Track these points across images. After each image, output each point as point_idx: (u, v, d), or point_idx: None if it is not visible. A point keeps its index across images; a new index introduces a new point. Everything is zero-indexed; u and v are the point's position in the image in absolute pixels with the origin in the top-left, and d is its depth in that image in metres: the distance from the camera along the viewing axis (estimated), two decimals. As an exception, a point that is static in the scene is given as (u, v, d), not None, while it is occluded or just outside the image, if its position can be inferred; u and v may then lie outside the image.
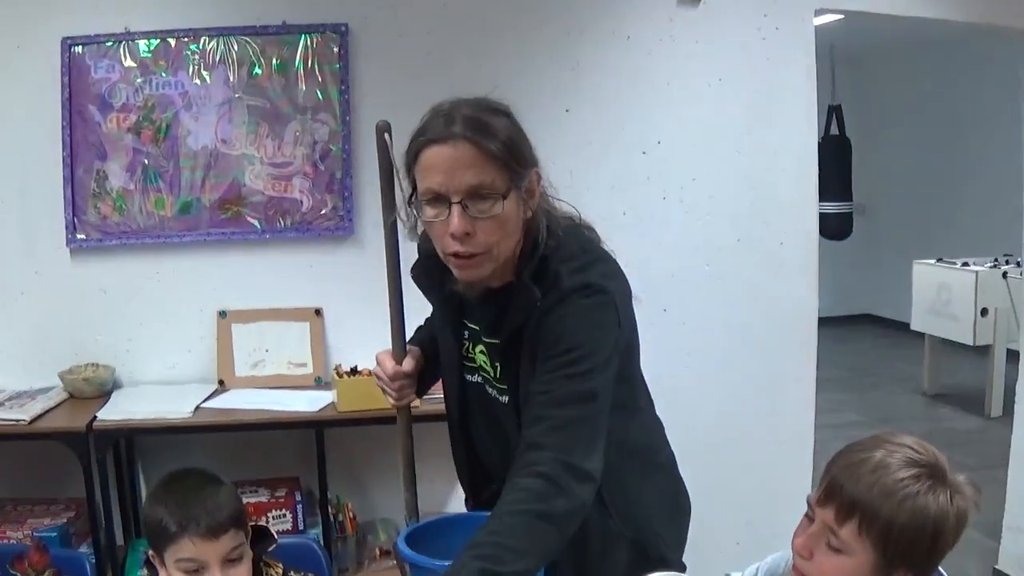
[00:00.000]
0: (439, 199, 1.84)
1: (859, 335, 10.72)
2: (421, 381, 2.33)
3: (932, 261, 8.43)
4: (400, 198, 2.00)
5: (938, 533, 1.65)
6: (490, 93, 1.94)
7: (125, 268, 3.68)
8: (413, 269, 2.22)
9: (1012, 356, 7.61)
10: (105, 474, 3.36)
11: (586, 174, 3.90)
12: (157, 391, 3.60)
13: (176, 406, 3.39)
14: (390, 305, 2.24)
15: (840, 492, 1.69)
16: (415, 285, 2.23)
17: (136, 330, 3.70)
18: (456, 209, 1.82)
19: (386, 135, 2.07)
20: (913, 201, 11.32)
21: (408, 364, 2.24)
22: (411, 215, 1.98)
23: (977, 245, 8.99)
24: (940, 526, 1.65)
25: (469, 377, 2.17)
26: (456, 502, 3.84)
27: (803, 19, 4.14)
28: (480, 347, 2.10)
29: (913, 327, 8.61)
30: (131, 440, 3.59)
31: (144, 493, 3.74)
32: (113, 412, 3.35)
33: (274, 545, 2.31)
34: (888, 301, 11.19)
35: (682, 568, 2.15)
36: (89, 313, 3.68)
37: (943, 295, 8.08)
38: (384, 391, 2.28)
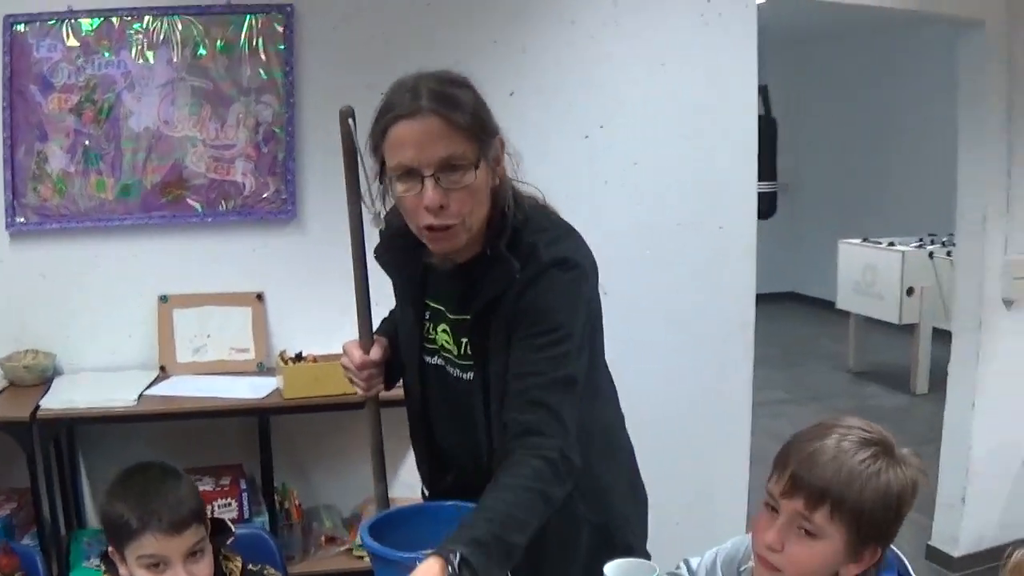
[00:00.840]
0: (411, 173, 1.87)
1: (783, 313, 10.84)
2: (389, 371, 2.33)
3: (858, 241, 8.58)
4: (364, 184, 2.03)
5: (901, 505, 1.73)
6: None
7: (65, 252, 3.59)
8: (377, 248, 2.20)
9: (937, 335, 7.78)
10: (50, 464, 3.30)
11: (529, 157, 3.86)
12: (98, 378, 3.53)
13: (120, 394, 3.33)
14: (356, 293, 2.24)
15: (806, 482, 1.73)
16: (378, 265, 2.21)
17: (76, 315, 3.62)
18: (429, 182, 1.86)
19: (350, 120, 2.08)
20: (838, 181, 11.50)
21: (376, 353, 2.24)
22: (375, 203, 2.01)
23: (902, 225, 9.16)
24: (902, 499, 1.73)
25: (428, 359, 2.18)
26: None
27: (746, 5, 4.18)
28: (442, 326, 2.12)
29: (839, 306, 8.77)
30: (71, 428, 3.52)
31: (86, 482, 3.69)
32: (56, 400, 3.27)
33: (232, 538, 2.29)
34: (812, 280, 11.35)
35: (647, 557, 2.16)
36: (28, 298, 3.59)
37: (868, 274, 8.22)
38: (352, 381, 2.28)
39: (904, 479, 1.73)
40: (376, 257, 2.20)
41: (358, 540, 3.56)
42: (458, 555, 1.64)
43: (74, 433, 3.58)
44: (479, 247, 2.01)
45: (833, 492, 1.71)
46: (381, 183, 1.98)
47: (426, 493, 2.39)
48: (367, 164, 2.01)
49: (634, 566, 1.98)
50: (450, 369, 2.14)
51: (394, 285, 2.24)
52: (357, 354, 2.23)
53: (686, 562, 2.19)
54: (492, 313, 1.97)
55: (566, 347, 1.92)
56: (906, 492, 1.73)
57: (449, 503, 2.15)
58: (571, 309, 1.95)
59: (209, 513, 2.21)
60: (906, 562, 1.89)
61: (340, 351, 3.19)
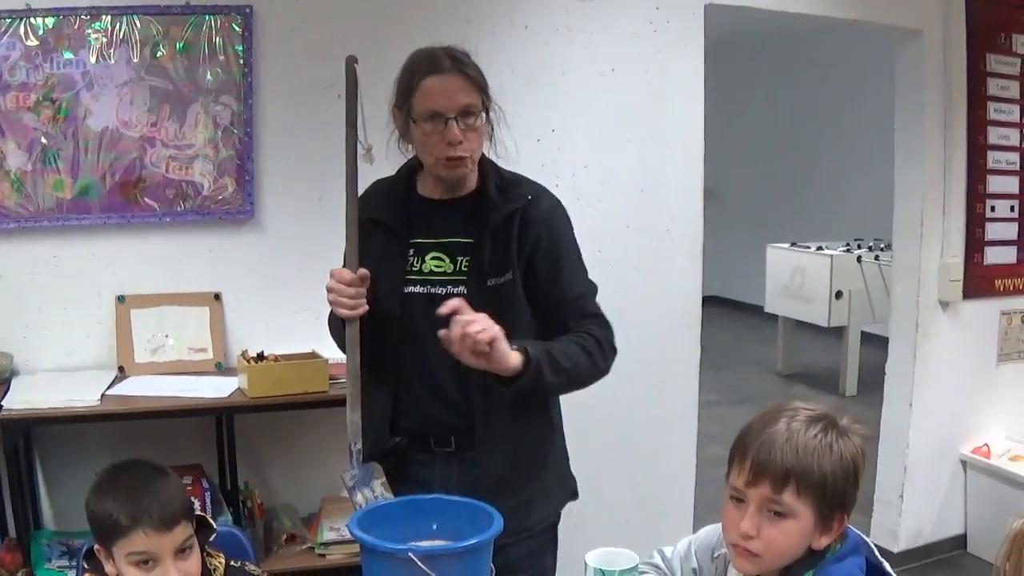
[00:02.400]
0: (437, 116, 2.38)
1: (709, 317, 10.86)
2: None
3: (786, 245, 8.69)
4: (360, 123, 2.42)
5: (857, 471, 1.84)
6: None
7: (22, 252, 3.54)
8: (366, 197, 2.58)
9: (866, 337, 7.95)
10: (17, 464, 3.27)
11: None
12: (57, 378, 3.49)
13: (81, 394, 3.30)
14: (347, 221, 2.46)
15: (768, 466, 1.81)
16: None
17: (33, 316, 3.58)
18: (452, 123, 2.38)
19: (355, 65, 2.44)
20: (764, 186, 11.66)
21: (363, 271, 2.45)
22: (366, 139, 2.43)
23: (828, 230, 9.31)
24: (858, 465, 1.84)
25: (411, 289, 2.53)
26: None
27: (693, 12, 4.28)
28: (432, 254, 2.53)
29: (767, 309, 8.88)
30: (28, 430, 3.49)
31: (42, 482, 3.66)
32: (17, 401, 3.23)
33: (214, 535, 2.31)
34: (738, 284, 11.48)
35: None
36: (-16, 298, 3.55)
37: (797, 278, 8.36)
38: (338, 303, 2.43)
39: (854, 446, 1.84)
40: (364, 206, 2.52)
41: (319, 538, 3.58)
42: (532, 355, 2.35)
43: (31, 435, 3.54)
44: (475, 182, 2.54)
45: (795, 470, 1.79)
46: (410, 123, 2.44)
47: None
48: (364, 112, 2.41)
49: (615, 554, 2.05)
50: (439, 289, 2.50)
51: (371, 237, 2.52)
52: (347, 272, 2.43)
53: (660, 551, 2.26)
54: (504, 230, 2.48)
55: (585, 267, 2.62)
56: (858, 458, 1.84)
57: (430, 496, 2.22)
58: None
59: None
60: (873, 547, 1.96)
61: (300, 351, 3.43)
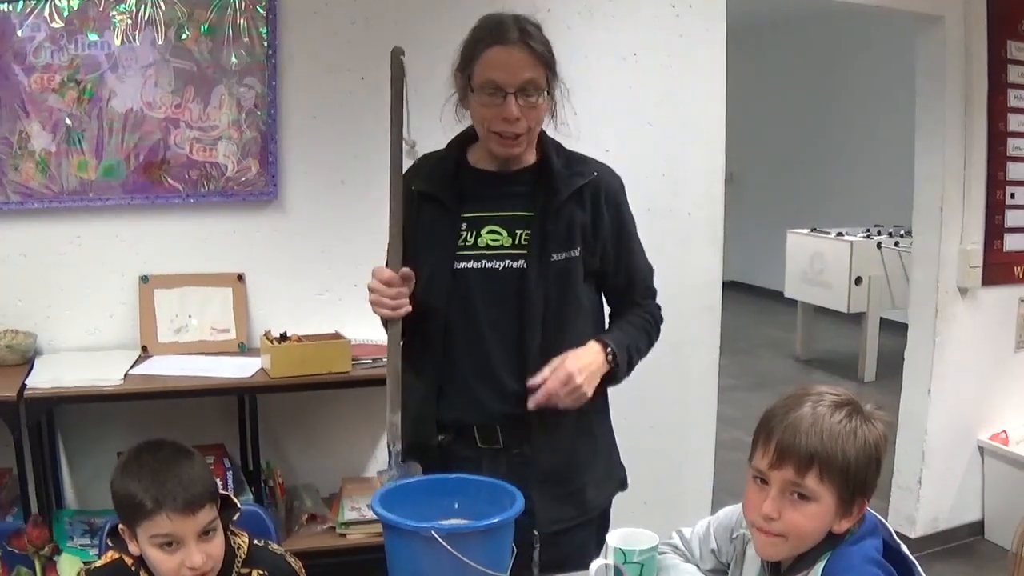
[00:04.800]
0: (496, 89, 2.29)
1: (729, 302, 10.87)
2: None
3: (806, 231, 8.67)
4: (405, 119, 2.36)
5: (879, 457, 1.85)
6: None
7: (46, 232, 3.58)
8: (414, 169, 2.47)
9: (885, 323, 7.93)
10: (40, 443, 3.31)
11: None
12: (80, 358, 3.52)
13: (104, 373, 3.33)
14: (391, 220, 2.38)
15: (793, 450, 1.82)
16: (416, 187, 2.47)
17: (56, 295, 3.61)
18: (511, 99, 2.29)
19: (402, 58, 2.36)
20: (785, 171, 11.62)
21: (406, 271, 2.37)
22: (411, 135, 2.37)
23: (848, 216, 9.28)
24: (880, 451, 1.85)
25: (463, 264, 2.42)
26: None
27: (715, -4, 4.27)
28: (488, 227, 2.43)
29: (787, 295, 8.86)
30: (51, 408, 3.51)
31: (64, 461, 3.69)
32: (41, 380, 3.26)
33: (238, 514, 2.31)
34: (758, 269, 11.46)
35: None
36: (9, 278, 3.56)
37: (817, 264, 8.34)
38: (380, 303, 2.36)
39: (877, 432, 1.85)
40: (411, 179, 2.44)
41: (340, 518, 3.60)
42: (611, 347, 2.41)
43: (53, 413, 3.57)
44: (532, 157, 2.47)
45: (820, 455, 1.80)
46: (469, 91, 2.35)
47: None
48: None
49: (635, 535, 2.07)
50: (495, 264, 2.42)
51: (416, 211, 2.45)
52: (388, 271, 2.36)
53: (679, 532, 2.28)
54: (571, 205, 2.43)
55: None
56: (881, 443, 1.85)
57: (454, 475, 2.23)
58: None
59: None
60: (891, 529, 1.97)
61: (321, 331, 3.35)
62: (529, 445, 2.45)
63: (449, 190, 2.45)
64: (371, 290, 2.36)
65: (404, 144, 2.36)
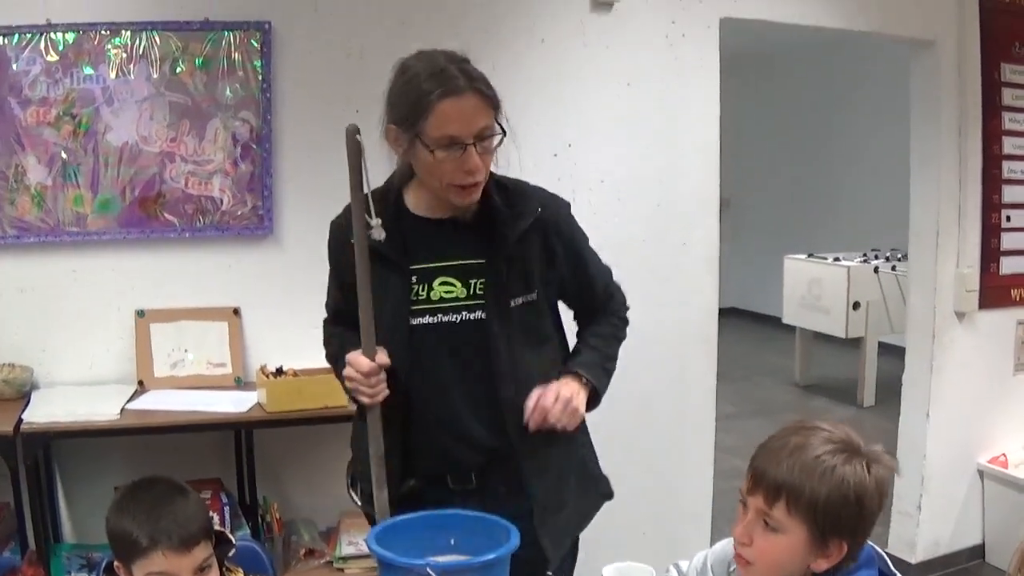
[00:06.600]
0: (455, 142, 2.17)
1: (727, 328, 10.85)
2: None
3: (803, 256, 8.68)
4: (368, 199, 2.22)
5: (861, 500, 1.79)
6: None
7: (42, 266, 3.58)
8: (343, 225, 2.41)
9: (883, 348, 7.93)
10: (37, 477, 3.30)
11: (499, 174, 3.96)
12: (77, 392, 3.52)
13: (101, 408, 3.32)
14: (360, 303, 2.25)
15: (765, 477, 1.83)
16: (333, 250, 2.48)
17: (53, 329, 3.61)
18: (471, 149, 2.18)
19: (357, 136, 2.21)
20: (780, 197, 11.63)
21: (382, 357, 2.27)
22: (374, 217, 2.20)
23: (844, 241, 9.28)
24: (861, 493, 1.79)
25: (419, 320, 2.34)
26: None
27: (709, 26, 4.29)
28: (440, 279, 2.34)
29: (785, 320, 8.86)
30: (48, 443, 3.51)
31: (62, 495, 3.68)
32: (38, 414, 3.26)
33: (233, 550, 2.31)
34: (755, 295, 11.46)
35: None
36: (5, 312, 3.57)
37: (815, 289, 8.35)
38: (357, 391, 2.29)
39: (862, 474, 1.79)
40: (345, 233, 2.33)
41: (338, 553, 3.60)
42: (583, 375, 2.38)
43: (50, 448, 3.56)
44: (478, 201, 2.33)
45: (787, 486, 1.80)
46: (417, 146, 2.21)
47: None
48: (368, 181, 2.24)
49: (631, 569, 2.06)
50: (452, 317, 2.34)
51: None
52: (365, 361, 2.25)
53: (676, 566, 2.27)
54: (521, 248, 2.35)
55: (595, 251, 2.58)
56: (865, 487, 1.79)
57: (450, 511, 2.21)
58: None
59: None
60: (887, 559, 1.95)
61: (317, 365, 3.33)
62: (504, 484, 2.41)
63: (393, 243, 2.28)
64: (348, 379, 2.29)
65: (368, 224, 2.21)
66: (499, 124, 2.26)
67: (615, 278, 2.63)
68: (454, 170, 2.21)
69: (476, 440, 2.37)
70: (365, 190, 2.23)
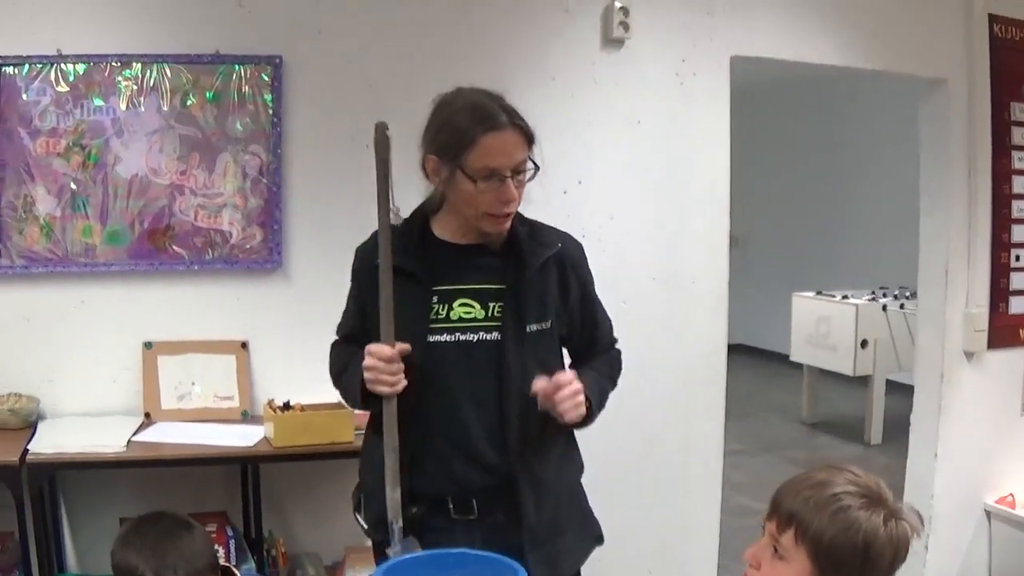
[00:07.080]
0: (493, 174, 2.30)
1: (735, 365, 10.82)
2: None
3: (811, 294, 8.66)
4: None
5: (868, 548, 1.77)
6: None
7: (50, 296, 3.59)
8: (373, 247, 2.41)
9: (891, 386, 7.90)
10: (42, 507, 3.29)
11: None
12: (83, 423, 3.52)
13: (107, 440, 3.32)
14: (381, 295, 2.32)
15: (782, 504, 1.85)
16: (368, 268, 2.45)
17: (60, 360, 3.61)
18: (509, 182, 2.31)
19: (387, 131, 2.32)
20: (789, 235, 11.63)
21: (401, 345, 2.33)
22: (396, 206, 2.36)
23: (852, 278, 9.27)
24: (870, 541, 1.77)
25: (437, 338, 2.42)
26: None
27: (719, 64, 4.30)
28: (460, 300, 2.43)
29: (792, 358, 8.83)
30: (53, 474, 3.50)
31: (66, 526, 3.67)
32: (44, 445, 3.26)
33: (239, 585, 2.31)
34: (763, 332, 11.43)
35: None
36: (12, 342, 3.57)
37: (822, 327, 8.33)
38: (378, 381, 2.31)
39: (877, 524, 1.78)
40: (362, 257, 2.55)
41: (343, 587, 3.58)
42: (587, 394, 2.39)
43: (56, 479, 3.55)
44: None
45: (798, 517, 1.81)
46: (458, 175, 2.32)
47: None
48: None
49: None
50: (469, 336, 2.43)
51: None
52: (387, 348, 2.31)
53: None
54: (541, 277, 2.46)
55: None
56: (875, 536, 1.77)
57: (457, 550, 2.20)
58: None
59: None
60: None
61: (324, 399, 3.41)
62: (504, 514, 2.45)
63: (419, 264, 2.43)
64: (368, 368, 2.32)
65: (392, 214, 2.35)
66: (530, 159, 2.37)
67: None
68: (492, 200, 2.33)
69: (481, 459, 2.43)
70: (390, 186, 2.34)
